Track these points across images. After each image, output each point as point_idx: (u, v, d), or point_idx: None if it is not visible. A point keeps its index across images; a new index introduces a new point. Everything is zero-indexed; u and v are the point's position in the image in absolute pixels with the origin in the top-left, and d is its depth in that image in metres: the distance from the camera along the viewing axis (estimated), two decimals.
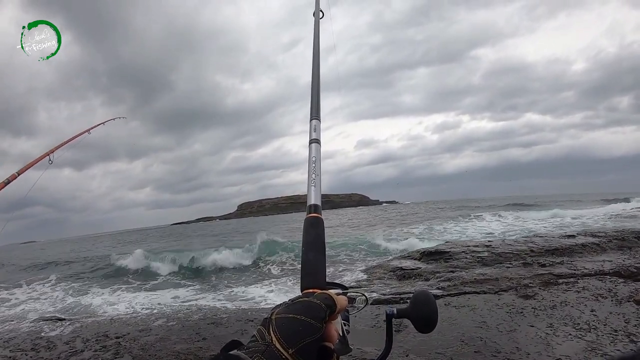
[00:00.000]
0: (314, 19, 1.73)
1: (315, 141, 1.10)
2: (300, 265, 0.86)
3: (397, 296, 8.50)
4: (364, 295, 1.00)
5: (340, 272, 12.63)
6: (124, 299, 12.39)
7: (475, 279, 9.30)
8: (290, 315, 0.65)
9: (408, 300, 1.00)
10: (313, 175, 0.99)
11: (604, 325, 5.64)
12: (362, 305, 1.01)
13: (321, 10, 1.79)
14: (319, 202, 0.94)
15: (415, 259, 12.81)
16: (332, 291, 0.76)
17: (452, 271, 10.34)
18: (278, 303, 0.71)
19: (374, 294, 8.83)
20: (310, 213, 0.92)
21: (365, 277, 11.28)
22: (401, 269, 11.45)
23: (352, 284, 10.51)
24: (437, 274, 10.26)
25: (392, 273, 11.13)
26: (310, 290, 0.77)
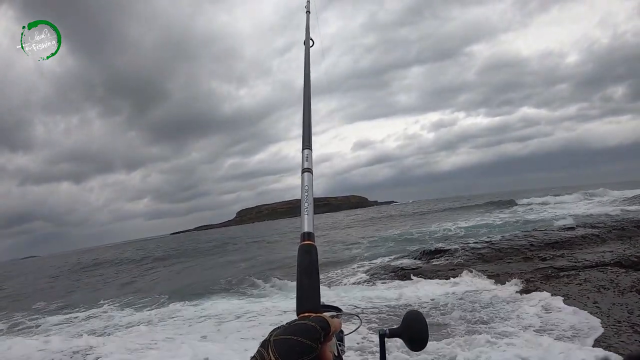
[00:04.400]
0: (304, 47, 1.70)
1: (307, 170, 1.12)
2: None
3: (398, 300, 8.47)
4: (357, 316, 1.04)
5: (342, 275, 12.54)
6: None
7: None
8: (288, 337, 0.71)
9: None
10: (306, 204, 1.02)
11: (607, 316, 5.63)
12: (356, 326, 1.05)
13: (311, 39, 1.76)
14: (312, 230, 0.97)
15: (415, 258, 12.80)
16: (327, 314, 0.81)
17: (452, 269, 10.32)
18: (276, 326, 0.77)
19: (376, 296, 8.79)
20: (304, 240, 0.95)
21: (367, 278, 11.23)
22: (402, 269, 11.42)
23: (354, 285, 10.47)
24: (438, 273, 10.24)
25: (393, 274, 11.09)
26: (306, 314, 0.81)
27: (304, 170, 1.12)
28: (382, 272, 11.60)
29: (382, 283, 10.33)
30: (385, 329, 1.02)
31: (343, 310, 1.03)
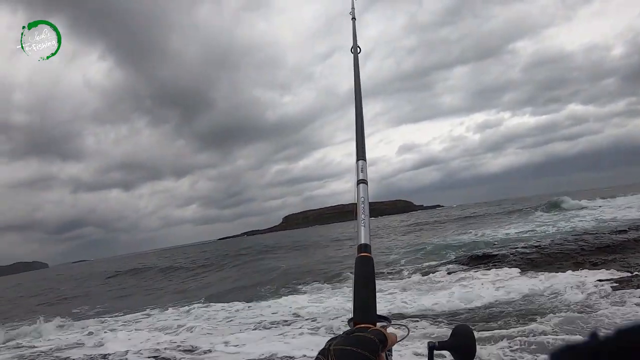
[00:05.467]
0: (352, 55, 1.71)
1: (362, 182, 1.12)
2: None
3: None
4: (406, 326, 1.06)
5: (387, 281, 12.68)
6: None
7: None
8: (348, 348, 0.74)
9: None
10: (362, 216, 1.03)
11: None
12: (404, 335, 1.05)
13: (358, 46, 1.75)
14: (368, 242, 1.00)
15: (462, 264, 12.83)
16: (379, 324, 0.88)
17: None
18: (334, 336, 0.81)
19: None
20: (360, 252, 0.98)
21: (412, 284, 11.35)
22: (448, 274, 11.50)
23: (398, 291, 10.62)
24: (486, 278, 10.29)
25: (439, 279, 11.20)
26: (363, 325, 0.85)
27: (359, 182, 1.12)
28: (428, 277, 11.73)
29: (429, 289, 10.44)
30: (434, 341, 1.01)
31: (392, 319, 1.03)
